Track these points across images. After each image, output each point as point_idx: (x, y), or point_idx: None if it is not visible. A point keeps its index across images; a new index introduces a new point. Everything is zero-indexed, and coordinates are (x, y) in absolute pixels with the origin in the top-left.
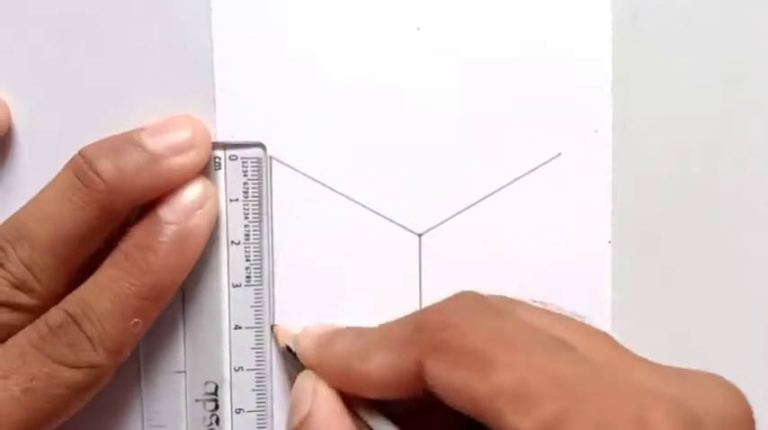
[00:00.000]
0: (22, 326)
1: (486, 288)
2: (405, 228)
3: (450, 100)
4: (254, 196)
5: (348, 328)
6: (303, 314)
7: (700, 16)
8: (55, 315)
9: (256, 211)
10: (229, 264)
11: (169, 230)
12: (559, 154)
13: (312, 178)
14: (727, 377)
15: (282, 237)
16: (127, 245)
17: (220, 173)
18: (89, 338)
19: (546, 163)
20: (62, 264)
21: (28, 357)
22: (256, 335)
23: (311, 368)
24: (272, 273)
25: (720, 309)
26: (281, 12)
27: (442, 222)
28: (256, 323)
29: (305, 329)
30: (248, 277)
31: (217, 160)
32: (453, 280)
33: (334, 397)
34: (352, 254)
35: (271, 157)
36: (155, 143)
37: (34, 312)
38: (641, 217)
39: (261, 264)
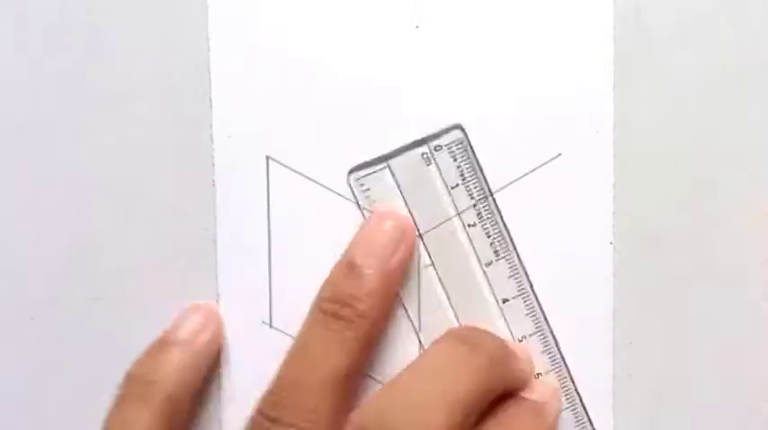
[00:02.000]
0: None
1: (486, 289)
2: None
3: (449, 99)
4: (471, 176)
5: None
6: (302, 315)
7: (702, 15)
8: None
9: (479, 189)
10: (474, 246)
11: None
12: (560, 154)
13: (310, 178)
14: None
15: (281, 239)
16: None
17: (432, 167)
18: None
19: (546, 163)
20: None
21: None
22: (525, 302)
23: None
24: (270, 275)
25: (721, 309)
26: (278, 10)
27: (442, 223)
28: (520, 291)
29: None
30: (496, 252)
31: (425, 155)
32: (453, 281)
33: None
34: None
35: (268, 158)
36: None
37: None
38: (642, 218)
39: (502, 236)
